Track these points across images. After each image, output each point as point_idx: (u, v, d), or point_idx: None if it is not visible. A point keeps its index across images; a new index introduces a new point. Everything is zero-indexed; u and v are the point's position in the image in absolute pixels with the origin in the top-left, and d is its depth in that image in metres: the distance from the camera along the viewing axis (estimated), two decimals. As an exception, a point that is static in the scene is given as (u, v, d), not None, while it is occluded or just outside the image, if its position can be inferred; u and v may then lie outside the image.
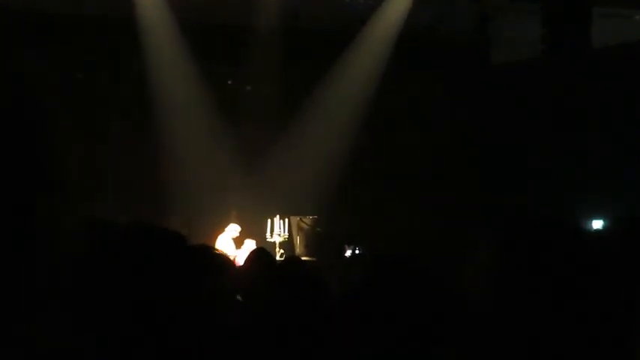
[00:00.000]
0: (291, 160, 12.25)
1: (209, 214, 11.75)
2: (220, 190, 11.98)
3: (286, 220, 11.56)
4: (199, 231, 11.71)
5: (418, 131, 13.03)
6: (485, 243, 1.79)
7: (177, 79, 12.29)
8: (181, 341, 1.54)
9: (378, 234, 11.48)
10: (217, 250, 2.20)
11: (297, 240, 11.70)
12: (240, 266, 4.81)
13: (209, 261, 2.11)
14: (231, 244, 10.96)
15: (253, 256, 3.91)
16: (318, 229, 11.66)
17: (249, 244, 10.51)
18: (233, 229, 11.13)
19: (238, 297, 2.89)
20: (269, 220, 11.47)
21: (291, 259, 4.95)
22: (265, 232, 11.36)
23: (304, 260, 9.26)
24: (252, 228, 11.65)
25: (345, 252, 10.70)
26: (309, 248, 11.47)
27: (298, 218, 11.73)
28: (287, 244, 11.50)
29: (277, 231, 11.38)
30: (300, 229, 11.73)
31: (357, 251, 10.45)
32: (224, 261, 2.39)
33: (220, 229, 11.30)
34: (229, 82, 13.14)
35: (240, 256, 10.92)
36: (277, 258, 10.40)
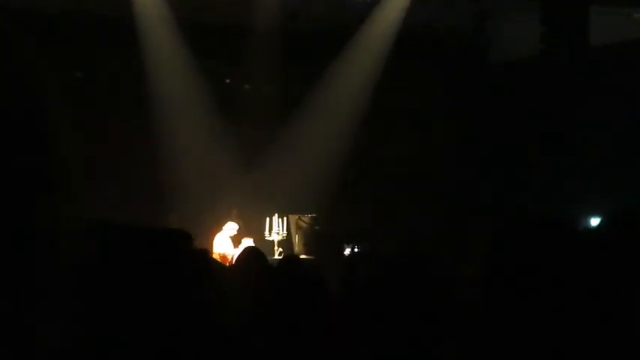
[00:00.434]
0: (290, 159, 12.25)
1: (208, 212, 11.75)
2: (219, 189, 11.97)
3: (285, 218, 11.56)
4: (197, 229, 11.70)
5: (417, 130, 13.04)
6: (482, 242, 1.80)
7: (176, 78, 12.28)
8: (179, 344, 1.54)
9: (377, 233, 11.48)
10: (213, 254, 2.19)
11: (296, 238, 11.71)
12: (232, 265, 4.80)
13: (208, 267, 2.11)
14: (229, 243, 10.96)
15: (245, 256, 3.90)
16: (317, 227, 11.66)
17: (247, 243, 10.51)
18: (231, 228, 11.13)
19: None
20: (268, 219, 11.47)
21: (289, 257, 4.95)
22: (264, 231, 11.36)
23: (303, 259, 9.27)
24: (251, 226, 11.65)
25: (343, 250, 10.70)
26: (307, 247, 11.47)
27: (297, 217, 11.73)
28: (286, 243, 11.50)
29: (276, 229, 11.38)
30: (298, 227, 11.73)
31: (355, 250, 10.45)
32: (220, 267, 2.41)
33: (218, 227, 11.30)
34: (228, 81, 13.13)
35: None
36: (276, 256, 10.41)
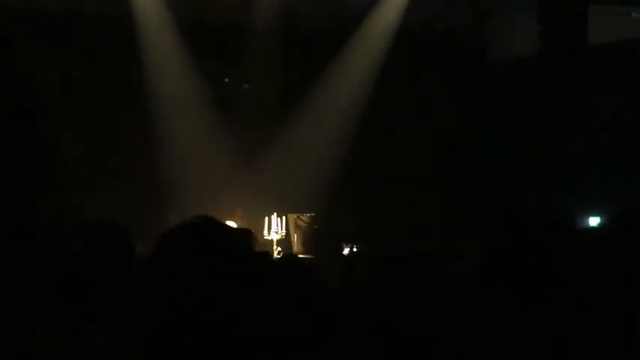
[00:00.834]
0: (289, 158, 12.26)
1: (206, 212, 11.71)
2: (217, 188, 11.96)
3: (284, 217, 11.57)
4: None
5: (416, 129, 13.03)
6: (480, 242, 1.81)
7: (174, 77, 12.27)
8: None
9: (376, 232, 11.49)
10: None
11: (295, 238, 11.71)
12: None
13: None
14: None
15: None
16: (316, 226, 11.66)
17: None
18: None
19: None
20: (266, 218, 11.47)
21: (288, 256, 4.94)
22: (263, 230, 11.36)
23: (301, 258, 9.27)
24: (250, 225, 11.64)
25: (342, 250, 10.70)
26: (306, 246, 11.47)
27: (296, 216, 11.74)
28: (284, 242, 11.50)
29: (275, 229, 11.38)
30: (297, 226, 11.73)
31: (354, 249, 10.46)
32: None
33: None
34: (227, 80, 13.13)
35: None
36: (275, 256, 10.42)
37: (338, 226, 11.61)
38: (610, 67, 11.54)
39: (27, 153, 0.93)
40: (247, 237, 1.62)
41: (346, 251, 10.48)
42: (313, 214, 11.83)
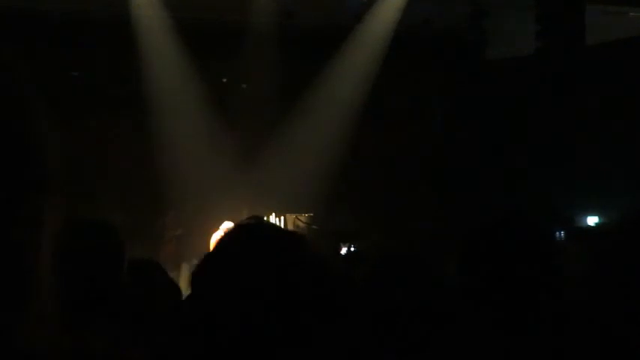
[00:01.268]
0: (287, 158, 12.25)
1: (204, 212, 11.74)
2: (215, 188, 11.96)
3: (282, 217, 11.57)
4: (195, 229, 11.70)
5: (414, 129, 13.04)
6: (464, 242, 1.83)
7: (172, 76, 12.27)
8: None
9: (374, 232, 11.49)
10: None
11: (293, 238, 11.69)
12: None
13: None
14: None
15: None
16: (314, 226, 11.66)
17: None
18: (227, 227, 11.12)
19: None
20: (265, 218, 11.46)
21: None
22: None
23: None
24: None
25: (340, 250, 10.70)
26: (304, 246, 11.45)
27: (294, 216, 11.74)
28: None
29: (273, 229, 11.37)
30: (296, 227, 11.73)
31: (352, 249, 10.45)
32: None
33: (215, 227, 11.29)
34: (224, 79, 13.13)
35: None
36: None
37: (336, 226, 11.61)
38: (607, 66, 11.55)
39: (15, 153, 0.93)
40: (302, 238, 1.63)
41: (344, 251, 10.47)
42: (312, 214, 11.83)
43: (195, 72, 12.21)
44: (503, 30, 12.82)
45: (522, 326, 1.74)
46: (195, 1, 11.87)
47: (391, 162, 12.93)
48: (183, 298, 3.95)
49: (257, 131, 12.47)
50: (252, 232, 1.59)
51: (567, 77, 11.71)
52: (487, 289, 1.79)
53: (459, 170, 12.76)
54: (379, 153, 12.99)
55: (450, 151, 12.99)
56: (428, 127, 13.06)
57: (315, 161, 12.21)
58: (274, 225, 1.65)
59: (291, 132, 12.54)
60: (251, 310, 1.44)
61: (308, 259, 1.53)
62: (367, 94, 12.67)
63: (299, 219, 11.74)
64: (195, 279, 1.60)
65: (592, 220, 11.40)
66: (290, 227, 11.71)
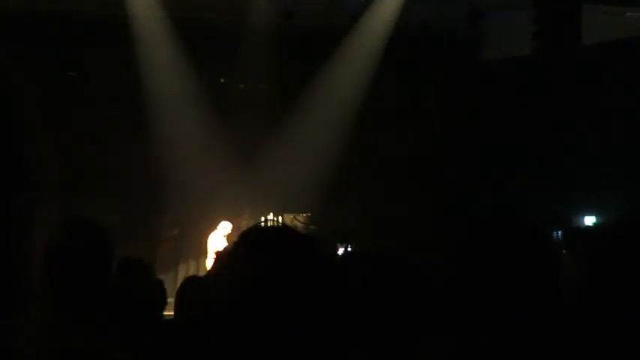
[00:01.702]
0: (285, 158, 12.26)
1: (202, 212, 11.75)
2: (213, 188, 11.97)
3: (280, 217, 11.57)
4: (191, 229, 11.71)
5: (411, 129, 13.05)
6: (461, 242, 1.84)
7: (170, 76, 12.26)
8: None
9: (371, 232, 11.50)
10: None
11: (291, 238, 11.70)
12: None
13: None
14: (224, 242, 10.97)
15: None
16: (312, 226, 11.67)
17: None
18: (224, 227, 11.14)
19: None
20: (263, 218, 11.48)
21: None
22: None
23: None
24: (248, 225, 11.65)
25: (337, 250, 10.70)
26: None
27: (292, 216, 11.75)
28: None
29: (271, 229, 11.37)
30: (293, 226, 11.72)
31: (349, 249, 10.47)
32: None
33: (212, 227, 11.30)
34: (222, 79, 13.12)
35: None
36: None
37: (334, 227, 11.62)
38: (604, 66, 11.57)
39: (9, 153, 0.93)
40: (315, 240, 1.67)
41: (341, 251, 10.48)
42: (309, 214, 11.84)
43: (194, 72, 12.21)
44: (501, 30, 12.84)
45: (519, 326, 1.74)
46: (194, 1, 11.87)
47: (389, 162, 12.93)
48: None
49: (255, 131, 12.47)
50: (267, 235, 1.65)
51: (565, 77, 11.73)
52: (483, 289, 1.79)
53: (457, 170, 12.77)
54: (377, 153, 13.00)
55: (448, 152, 13.00)
56: (426, 127, 13.06)
57: (313, 161, 12.21)
58: (287, 227, 1.71)
59: (289, 132, 12.54)
60: (268, 312, 1.47)
61: (320, 260, 1.56)
62: (365, 94, 12.68)
63: (297, 219, 11.75)
64: (211, 280, 1.65)
65: (590, 220, 11.41)
66: (287, 227, 11.72)
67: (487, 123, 12.69)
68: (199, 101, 12.31)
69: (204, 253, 11.27)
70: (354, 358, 2.03)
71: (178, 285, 3.90)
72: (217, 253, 10.45)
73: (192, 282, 3.86)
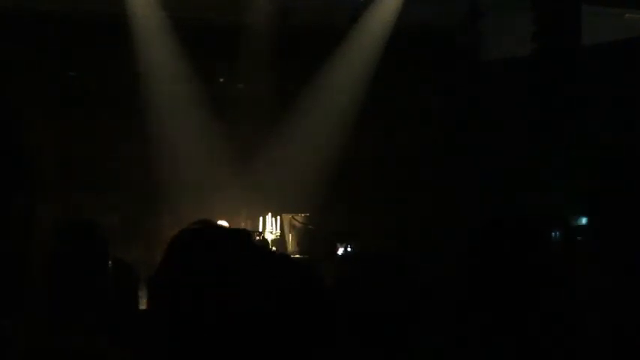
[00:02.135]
0: (284, 158, 12.26)
1: (201, 212, 11.74)
2: (212, 188, 11.97)
3: (278, 217, 11.58)
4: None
5: (410, 129, 13.05)
6: (459, 243, 1.85)
7: (169, 76, 12.27)
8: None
9: (370, 232, 11.50)
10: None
11: (289, 238, 11.72)
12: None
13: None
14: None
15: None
16: (310, 226, 11.67)
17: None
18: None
19: None
20: (261, 218, 11.49)
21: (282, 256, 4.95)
22: (257, 230, 11.39)
23: (296, 258, 9.29)
24: (246, 225, 11.69)
25: (337, 250, 10.72)
26: (301, 246, 11.49)
27: (290, 216, 11.75)
28: (279, 242, 11.51)
29: (269, 229, 11.40)
30: (292, 226, 11.74)
31: (348, 249, 10.48)
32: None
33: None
34: (221, 80, 13.13)
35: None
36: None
37: (333, 226, 11.62)
38: (603, 68, 11.58)
39: (8, 153, 0.94)
40: (247, 236, 1.73)
41: (340, 251, 10.49)
42: (308, 214, 11.84)
43: (193, 72, 12.21)
44: (500, 31, 12.84)
45: (518, 326, 1.75)
46: (193, 1, 11.87)
47: (388, 162, 12.94)
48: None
49: (254, 131, 12.48)
50: (196, 236, 1.70)
51: (564, 78, 11.73)
52: (482, 288, 1.80)
53: (456, 171, 12.77)
54: (376, 153, 13.00)
55: (448, 152, 13.00)
56: (425, 128, 13.07)
57: (311, 161, 12.21)
58: (218, 226, 1.77)
59: (288, 132, 12.55)
60: (201, 309, 1.50)
61: (247, 257, 1.62)
62: (364, 94, 12.68)
63: (295, 219, 11.76)
64: (150, 284, 1.69)
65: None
66: (286, 227, 11.73)
67: (486, 123, 12.69)
68: (198, 101, 12.31)
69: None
70: (353, 357, 2.04)
71: None
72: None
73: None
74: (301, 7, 12.26)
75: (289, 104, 12.64)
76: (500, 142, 12.38)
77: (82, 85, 12.10)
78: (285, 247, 11.54)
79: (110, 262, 2.56)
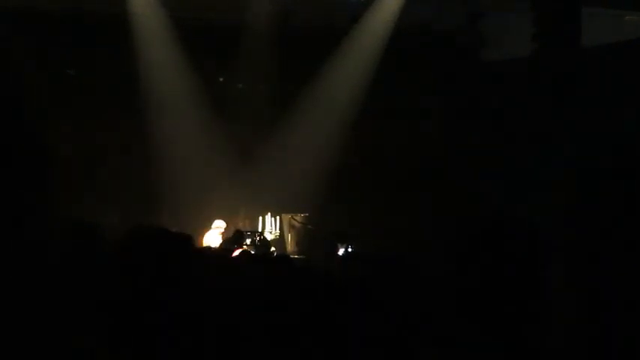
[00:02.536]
0: (283, 158, 12.26)
1: (201, 211, 11.75)
2: (212, 188, 11.98)
3: (277, 217, 11.58)
4: (189, 229, 11.70)
5: (410, 129, 13.05)
6: (458, 243, 1.86)
7: (169, 76, 12.27)
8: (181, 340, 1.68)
9: (369, 232, 11.50)
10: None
11: (289, 238, 11.72)
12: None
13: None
14: (219, 240, 10.96)
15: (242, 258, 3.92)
16: (309, 226, 11.67)
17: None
18: (218, 226, 11.13)
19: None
20: (260, 218, 11.49)
21: (282, 256, 4.96)
22: (258, 229, 11.39)
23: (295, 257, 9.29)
24: (245, 225, 11.70)
25: (337, 250, 10.71)
26: (300, 246, 11.49)
27: (289, 216, 11.75)
28: (278, 242, 11.51)
29: (269, 228, 11.40)
30: (291, 226, 11.74)
31: (349, 249, 10.47)
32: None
33: (209, 226, 11.29)
34: (221, 79, 13.13)
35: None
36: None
37: (332, 227, 11.62)
38: (603, 69, 11.58)
39: (18, 154, 0.95)
40: (188, 241, 1.92)
41: (341, 252, 10.49)
42: (307, 214, 11.83)
43: (193, 71, 12.21)
44: (500, 32, 12.85)
45: (516, 327, 1.76)
46: (194, 1, 11.88)
47: (388, 162, 12.93)
48: None
49: (254, 131, 12.48)
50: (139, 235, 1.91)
51: (564, 79, 11.73)
52: (480, 289, 1.80)
53: (456, 172, 12.77)
54: (376, 154, 13.00)
55: (447, 153, 13.00)
56: (425, 128, 13.07)
57: (311, 161, 12.21)
58: (160, 229, 1.99)
59: (287, 132, 12.55)
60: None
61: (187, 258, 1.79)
62: (364, 95, 12.68)
63: (294, 219, 11.75)
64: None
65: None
66: (285, 227, 11.73)
67: (486, 124, 12.69)
68: (198, 100, 12.31)
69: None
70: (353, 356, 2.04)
71: None
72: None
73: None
74: (302, 7, 12.26)
75: (289, 104, 12.64)
76: (501, 143, 12.38)
77: (82, 84, 12.10)
78: (285, 247, 11.54)
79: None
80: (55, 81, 11.55)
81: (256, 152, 12.38)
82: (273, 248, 11.16)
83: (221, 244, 10.11)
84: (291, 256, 8.69)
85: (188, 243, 1.93)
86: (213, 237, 10.98)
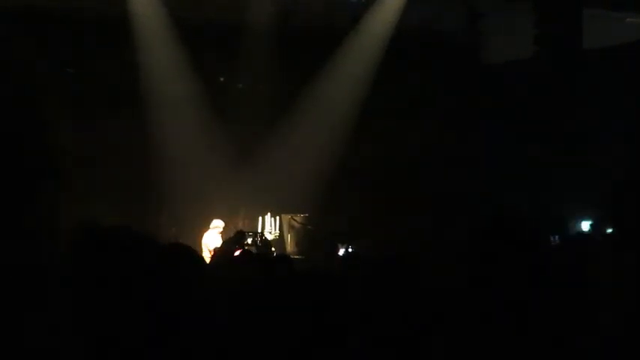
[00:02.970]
0: (283, 158, 12.26)
1: (200, 211, 11.75)
2: (212, 188, 11.97)
3: (277, 217, 11.57)
4: (188, 229, 11.70)
5: (410, 130, 13.05)
6: (460, 243, 1.87)
7: (169, 75, 12.27)
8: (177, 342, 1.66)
9: (369, 232, 11.49)
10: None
11: (288, 238, 11.72)
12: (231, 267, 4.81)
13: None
14: (219, 240, 10.95)
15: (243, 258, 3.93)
16: (309, 227, 11.67)
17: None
18: (217, 225, 11.11)
19: None
20: (260, 218, 11.48)
21: (281, 256, 4.97)
22: (257, 229, 11.37)
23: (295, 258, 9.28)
24: (244, 225, 11.69)
25: (337, 250, 10.71)
26: (300, 246, 11.48)
27: (289, 216, 11.74)
28: (278, 243, 11.50)
29: (269, 229, 11.39)
30: (291, 227, 11.74)
31: (349, 250, 10.47)
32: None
33: (207, 226, 11.28)
34: (221, 79, 13.13)
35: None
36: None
37: (332, 227, 11.62)
38: (604, 71, 11.58)
39: (17, 152, 0.95)
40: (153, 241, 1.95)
41: (341, 252, 10.48)
42: (307, 215, 11.83)
43: (193, 71, 12.22)
44: (500, 34, 12.85)
45: (517, 325, 1.75)
46: (194, 1, 11.88)
47: (388, 163, 12.93)
48: None
49: (254, 131, 12.48)
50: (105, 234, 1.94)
51: (564, 80, 11.74)
52: (481, 288, 1.80)
53: (456, 172, 12.77)
54: (376, 154, 12.99)
55: (448, 152, 13.00)
56: (425, 129, 13.07)
57: (311, 161, 12.21)
58: (130, 230, 1.97)
59: (287, 132, 12.55)
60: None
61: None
62: (364, 95, 12.68)
63: (294, 219, 11.75)
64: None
65: (586, 225, 11.42)
66: (285, 227, 11.73)
67: (485, 125, 12.70)
68: (198, 100, 12.31)
69: (200, 252, 11.25)
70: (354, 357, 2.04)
71: None
72: (215, 250, 10.46)
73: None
74: (302, 7, 12.26)
75: (289, 104, 12.65)
76: (501, 143, 12.39)
77: (82, 84, 12.09)
78: (284, 248, 11.53)
79: None
80: (55, 81, 11.54)
81: (256, 152, 12.37)
82: (273, 248, 11.16)
83: (222, 245, 10.10)
84: (291, 257, 8.67)
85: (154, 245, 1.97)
86: (212, 237, 10.97)
